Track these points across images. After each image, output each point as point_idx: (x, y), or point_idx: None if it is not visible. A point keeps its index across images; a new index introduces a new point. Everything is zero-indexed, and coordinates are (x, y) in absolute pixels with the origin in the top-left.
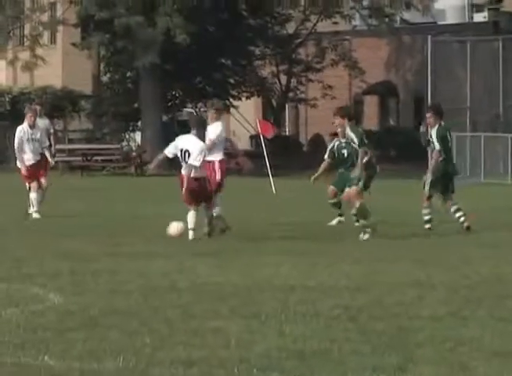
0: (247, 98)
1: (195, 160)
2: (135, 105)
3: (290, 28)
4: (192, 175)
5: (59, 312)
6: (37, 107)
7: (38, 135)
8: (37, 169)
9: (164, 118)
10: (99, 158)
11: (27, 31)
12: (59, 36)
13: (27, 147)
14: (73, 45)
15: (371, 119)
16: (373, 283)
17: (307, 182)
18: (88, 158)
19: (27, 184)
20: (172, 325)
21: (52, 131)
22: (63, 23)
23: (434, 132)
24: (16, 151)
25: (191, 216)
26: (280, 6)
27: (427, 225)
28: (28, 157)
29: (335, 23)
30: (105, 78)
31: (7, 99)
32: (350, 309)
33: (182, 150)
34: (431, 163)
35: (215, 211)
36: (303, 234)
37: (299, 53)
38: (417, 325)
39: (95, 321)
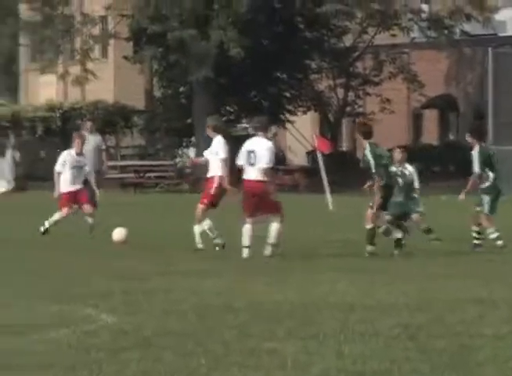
0: (304, 113)
1: (265, 162)
2: (189, 120)
3: (347, 41)
4: (259, 178)
5: (112, 333)
6: (89, 123)
7: (83, 163)
8: (76, 197)
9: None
10: (152, 175)
11: (77, 45)
12: (111, 50)
13: (70, 174)
14: (125, 58)
15: (431, 133)
16: (432, 301)
17: (364, 199)
18: (141, 175)
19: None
20: (228, 345)
21: (103, 147)
22: (114, 37)
23: (474, 154)
24: (54, 175)
25: (247, 231)
26: (336, 18)
27: (499, 242)
28: (67, 184)
29: (393, 35)
30: (158, 93)
31: (58, 115)
32: (409, 328)
33: (248, 152)
34: (478, 185)
35: (204, 225)
36: (359, 251)
37: (356, 66)
38: (479, 344)
39: (148, 341)
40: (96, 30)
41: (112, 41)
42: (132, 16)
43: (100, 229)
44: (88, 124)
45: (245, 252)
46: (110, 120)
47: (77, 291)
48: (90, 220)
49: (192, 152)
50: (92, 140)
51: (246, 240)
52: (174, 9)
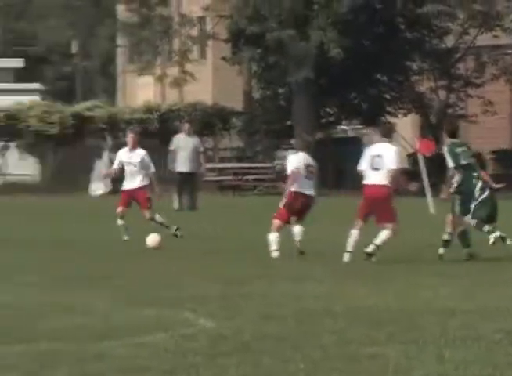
0: (404, 115)
1: (393, 164)
2: (288, 122)
3: (449, 42)
4: (383, 182)
5: (210, 337)
6: (187, 125)
7: (135, 160)
8: (130, 196)
9: (318, 136)
10: (251, 177)
11: (175, 46)
12: (209, 51)
13: (125, 171)
14: (224, 59)
15: None
16: None
17: None
18: (240, 177)
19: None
20: (326, 350)
21: (201, 150)
22: (212, 38)
23: None
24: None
25: (353, 236)
26: (438, 19)
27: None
28: (123, 182)
29: (495, 36)
30: (256, 94)
31: (155, 117)
32: None
33: (373, 156)
34: None
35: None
36: (460, 255)
37: (458, 68)
38: None
39: (247, 346)
40: (194, 31)
41: (210, 42)
42: (231, 16)
43: (197, 230)
44: (186, 126)
45: (346, 257)
46: (209, 121)
47: (175, 295)
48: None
49: (291, 154)
50: (190, 142)
51: (350, 245)
52: (273, 10)
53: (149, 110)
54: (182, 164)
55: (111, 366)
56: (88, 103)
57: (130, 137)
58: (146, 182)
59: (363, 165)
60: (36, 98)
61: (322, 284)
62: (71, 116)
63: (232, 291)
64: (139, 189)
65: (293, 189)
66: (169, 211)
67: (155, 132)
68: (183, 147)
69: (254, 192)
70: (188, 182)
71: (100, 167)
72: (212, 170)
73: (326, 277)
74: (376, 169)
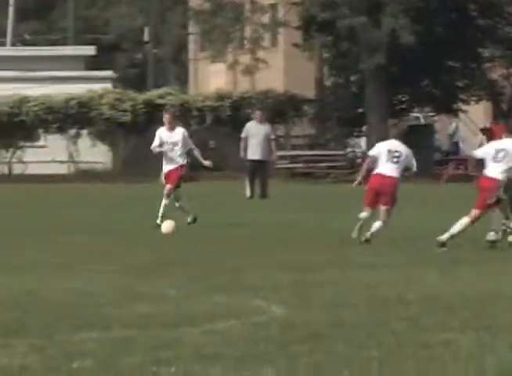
0: (476, 102)
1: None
2: (360, 109)
3: None
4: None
5: (282, 325)
6: (258, 113)
7: (176, 139)
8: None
9: (390, 123)
10: (323, 165)
11: (247, 34)
12: (281, 38)
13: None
14: (295, 45)
15: None
16: None
17: None
18: (311, 165)
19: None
20: (400, 337)
21: (273, 137)
22: (284, 25)
23: None
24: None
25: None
26: (510, 6)
27: None
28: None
29: None
30: (328, 82)
31: (227, 104)
32: None
33: (496, 150)
34: None
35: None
36: None
37: None
38: None
39: (319, 334)
40: (266, 19)
41: (282, 30)
42: (302, 3)
43: (269, 218)
44: (258, 113)
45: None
46: (280, 109)
47: (247, 283)
48: (164, 201)
49: (363, 141)
50: (262, 130)
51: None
52: None
53: (220, 97)
54: (253, 151)
55: (183, 353)
56: (160, 91)
57: (166, 118)
58: (184, 162)
59: (482, 155)
60: (108, 85)
61: (397, 272)
62: (143, 103)
63: (303, 279)
64: (176, 168)
65: (374, 172)
66: (241, 199)
67: (226, 120)
68: (254, 135)
69: (325, 179)
70: (259, 170)
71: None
72: (284, 157)
73: (401, 265)
74: (498, 161)
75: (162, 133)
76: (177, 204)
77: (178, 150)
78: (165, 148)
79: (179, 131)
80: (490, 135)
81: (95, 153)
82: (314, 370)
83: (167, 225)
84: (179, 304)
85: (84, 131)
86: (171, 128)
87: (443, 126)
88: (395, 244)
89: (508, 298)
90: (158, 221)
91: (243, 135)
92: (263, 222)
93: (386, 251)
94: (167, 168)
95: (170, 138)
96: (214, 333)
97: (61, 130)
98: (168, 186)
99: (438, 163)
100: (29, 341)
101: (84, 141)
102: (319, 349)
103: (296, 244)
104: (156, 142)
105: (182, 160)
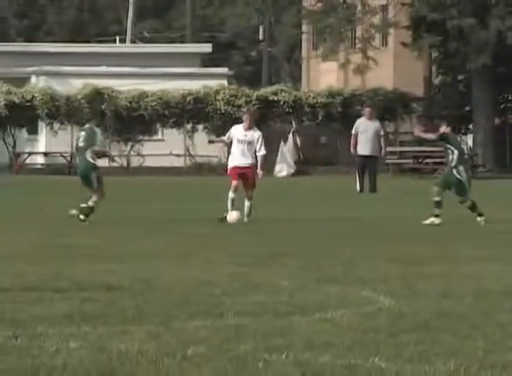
0: None
1: None
2: (467, 108)
3: None
4: None
5: (391, 315)
6: (368, 110)
7: (250, 138)
8: (241, 172)
9: (496, 121)
10: (431, 161)
11: (358, 33)
12: (391, 38)
13: (237, 148)
14: (403, 44)
15: None
16: None
17: None
18: (420, 161)
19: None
20: (505, 329)
21: (382, 133)
22: (394, 26)
23: None
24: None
25: None
26: None
27: None
28: (234, 158)
29: None
30: (436, 80)
31: (338, 101)
32: None
33: None
34: None
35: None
36: None
37: None
38: None
39: (426, 324)
40: (377, 19)
41: (392, 30)
42: (412, 4)
43: (382, 215)
44: (368, 110)
45: None
46: (390, 106)
47: (356, 274)
48: (246, 203)
49: (469, 139)
50: (372, 126)
51: None
52: None
53: (332, 94)
54: (363, 147)
55: (295, 341)
56: (274, 87)
57: (246, 117)
58: (255, 162)
59: None
60: (223, 82)
61: (504, 265)
62: (257, 99)
63: (412, 272)
64: (250, 167)
65: None
66: (352, 193)
67: (337, 116)
68: (364, 131)
69: (433, 175)
70: (369, 165)
71: (285, 150)
72: (393, 153)
73: (505, 258)
74: None
75: (237, 130)
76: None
77: (249, 149)
78: (239, 145)
79: (255, 133)
80: None
81: (210, 148)
82: (420, 359)
83: (233, 216)
84: (292, 294)
85: (200, 126)
86: (249, 128)
87: None
88: (501, 237)
89: None
90: (224, 214)
91: (353, 131)
92: (373, 216)
93: (492, 245)
94: (235, 162)
95: (244, 136)
96: (325, 322)
97: (178, 124)
98: (235, 182)
99: None
100: (146, 328)
101: (201, 135)
102: (426, 339)
103: (405, 237)
104: (226, 138)
105: (252, 159)
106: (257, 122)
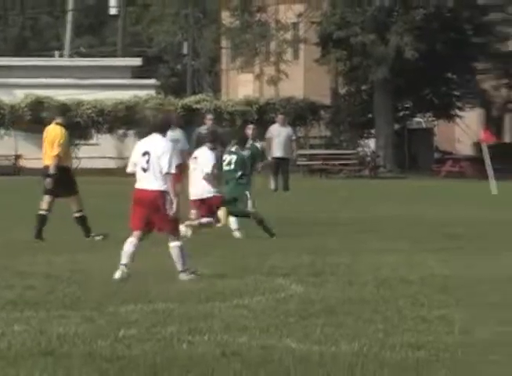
0: (470, 109)
1: None
2: (369, 115)
3: (510, 46)
4: None
5: (301, 301)
6: (281, 117)
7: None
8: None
9: (396, 127)
10: (337, 162)
11: (272, 48)
12: (301, 52)
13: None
14: (315, 60)
15: None
16: None
17: None
18: (327, 162)
19: None
20: (402, 313)
21: (294, 138)
22: (304, 42)
23: None
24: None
25: None
26: (501, 26)
27: None
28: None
29: None
30: (342, 91)
31: (254, 109)
32: None
33: None
34: None
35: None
36: None
37: None
38: None
39: (332, 309)
40: (289, 35)
41: (302, 46)
42: (320, 23)
43: (292, 210)
44: (281, 117)
45: None
46: (300, 114)
47: (271, 264)
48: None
49: (371, 142)
50: (284, 131)
51: None
52: (357, 17)
53: (248, 103)
54: (276, 150)
55: (215, 324)
56: (197, 97)
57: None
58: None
59: None
60: (151, 92)
61: (401, 256)
62: (181, 107)
63: (320, 261)
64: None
65: None
66: (267, 191)
67: (254, 123)
68: (278, 136)
69: (339, 175)
70: (281, 166)
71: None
72: (303, 156)
73: (405, 250)
74: None
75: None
76: None
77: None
78: None
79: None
80: None
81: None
82: (327, 340)
83: None
84: (212, 282)
85: (131, 132)
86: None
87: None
88: (398, 231)
89: (496, 280)
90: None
91: (267, 135)
92: (286, 212)
93: (391, 238)
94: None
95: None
96: (242, 307)
97: (111, 130)
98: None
99: (437, 161)
100: (82, 313)
101: (131, 140)
102: (332, 322)
103: (314, 230)
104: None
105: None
106: (182, 128)
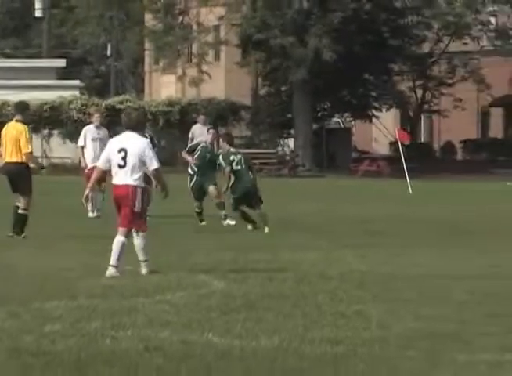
0: (387, 109)
1: None
2: (289, 115)
3: (426, 48)
4: None
5: (222, 296)
6: (202, 117)
7: (102, 135)
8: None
9: (314, 127)
10: (257, 161)
11: (194, 50)
12: (222, 54)
13: (91, 147)
14: (237, 63)
15: (497, 128)
16: (495, 273)
17: (440, 184)
18: None
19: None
20: (321, 308)
21: None
22: (225, 44)
23: None
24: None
25: None
26: (416, 28)
27: None
28: (91, 158)
29: (465, 43)
30: (262, 92)
31: (177, 110)
32: (477, 295)
33: None
34: None
35: None
36: (444, 228)
37: (433, 70)
38: None
39: (253, 304)
40: (210, 38)
41: (223, 47)
42: (241, 25)
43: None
44: (202, 117)
45: None
46: (222, 114)
47: (193, 261)
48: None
49: (291, 142)
50: (205, 131)
51: None
52: (277, 20)
53: (171, 103)
54: None
55: (138, 319)
56: (120, 98)
57: (96, 117)
58: None
59: None
60: (76, 93)
61: (320, 253)
62: (105, 108)
63: (241, 258)
64: None
65: None
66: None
67: (176, 123)
68: (200, 135)
69: (259, 174)
70: None
71: None
72: None
73: (324, 247)
74: None
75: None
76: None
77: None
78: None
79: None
80: None
81: (64, 150)
82: (248, 335)
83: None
84: (136, 278)
85: (56, 132)
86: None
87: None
88: (318, 228)
89: (412, 276)
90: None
91: (190, 135)
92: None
93: (314, 235)
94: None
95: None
96: (165, 303)
97: (36, 130)
98: None
99: (355, 160)
100: (7, 309)
101: (56, 139)
102: (253, 317)
103: (237, 229)
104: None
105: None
106: (107, 127)
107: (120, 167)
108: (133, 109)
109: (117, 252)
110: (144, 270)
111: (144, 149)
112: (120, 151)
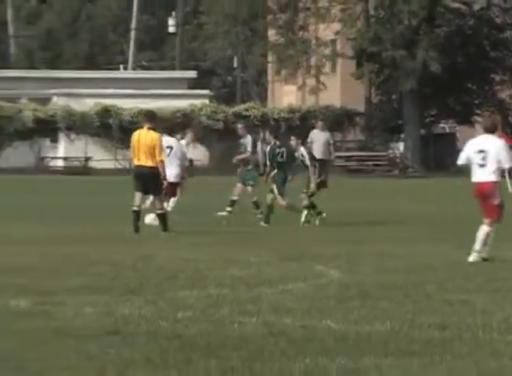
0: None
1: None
2: (399, 121)
3: None
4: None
5: (339, 286)
6: (321, 123)
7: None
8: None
9: (422, 132)
10: (370, 163)
11: (312, 62)
12: (339, 66)
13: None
14: (351, 74)
15: None
16: None
17: None
18: (361, 163)
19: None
20: (430, 297)
21: (331, 142)
22: (341, 56)
23: None
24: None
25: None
26: None
27: None
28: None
29: None
30: (375, 100)
31: (297, 116)
32: None
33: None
34: None
35: None
36: None
37: None
38: None
39: (367, 293)
40: (327, 51)
41: (339, 59)
42: (356, 39)
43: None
44: (320, 123)
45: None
46: (338, 120)
47: (313, 253)
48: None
49: (401, 145)
50: (323, 136)
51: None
52: (388, 34)
53: (292, 111)
54: (316, 152)
55: (263, 307)
56: (246, 105)
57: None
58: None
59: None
60: (205, 101)
61: (428, 246)
62: (232, 114)
63: (355, 250)
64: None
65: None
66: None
67: (296, 128)
68: (317, 140)
69: (372, 175)
70: (321, 167)
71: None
72: (340, 157)
73: (431, 239)
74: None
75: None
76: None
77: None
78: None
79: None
80: None
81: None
82: (363, 321)
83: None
84: (260, 269)
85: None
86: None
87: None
88: (424, 222)
89: None
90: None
91: (308, 140)
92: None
93: (421, 229)
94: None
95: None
96: (286, 292)
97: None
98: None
99: None
100: (145, 297)
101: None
102: (367, 305)
103: (352, 223)
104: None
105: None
106: (234, 132)
107: (481, 166)
108: (490, 114)
109: (481, 239)
110: (471, 258)
111: (501, 148)
112: (480, 152)
